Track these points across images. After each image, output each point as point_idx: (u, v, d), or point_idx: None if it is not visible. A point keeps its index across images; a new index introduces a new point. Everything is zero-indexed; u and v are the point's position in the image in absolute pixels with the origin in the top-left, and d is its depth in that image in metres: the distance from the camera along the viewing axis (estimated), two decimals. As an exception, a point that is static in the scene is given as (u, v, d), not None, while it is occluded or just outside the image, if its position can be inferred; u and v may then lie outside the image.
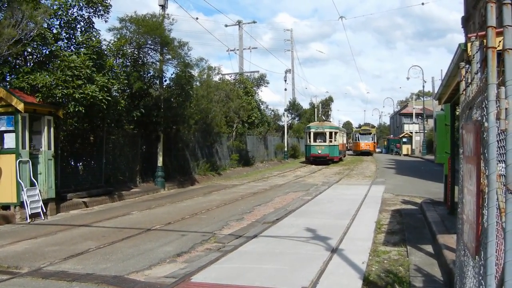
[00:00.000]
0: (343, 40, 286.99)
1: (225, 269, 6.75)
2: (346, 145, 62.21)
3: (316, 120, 49.73)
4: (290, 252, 7.80)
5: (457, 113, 8.54)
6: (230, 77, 36.44)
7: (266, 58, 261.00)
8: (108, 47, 16.59)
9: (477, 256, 2.89)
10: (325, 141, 38.26)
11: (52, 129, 12.62)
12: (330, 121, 51.85)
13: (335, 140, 38.92)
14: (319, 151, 37.61)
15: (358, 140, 61.26)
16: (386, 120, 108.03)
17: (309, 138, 38.99)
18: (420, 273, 6.42)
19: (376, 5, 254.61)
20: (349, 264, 6.88)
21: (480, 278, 2.72)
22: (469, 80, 3.64)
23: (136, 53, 18.64)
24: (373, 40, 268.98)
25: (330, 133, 38.76)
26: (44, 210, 11.80)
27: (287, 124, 45.07)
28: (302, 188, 19.05)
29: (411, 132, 62.09)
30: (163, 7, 19.56)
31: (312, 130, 39.16)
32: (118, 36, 17.60)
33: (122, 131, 18.27)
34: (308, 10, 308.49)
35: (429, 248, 7.90)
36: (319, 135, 38.91)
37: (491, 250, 2.49)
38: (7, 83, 12.57)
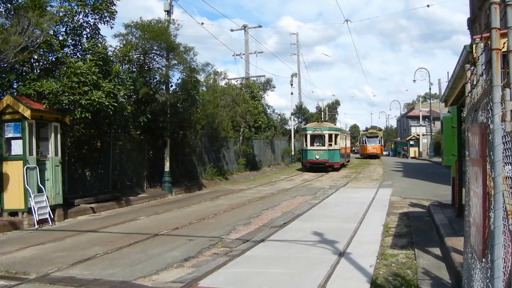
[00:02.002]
0: (348, 43, 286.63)
1: (232, 274, 6.75)
2: (353, 148, 61.80)
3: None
4: (298, 256, 7.79)
5: (464, 115, 8.50)
6: (236, 81, 36.50)
7: (271, 62, 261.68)
8: (114, 53, 16.69)
9: (484, 259, 2.87)
10: (323, 145, 33.01)
11: (59, 136, 12.68)
12: (334, 123, 51.18)
13: (335, 144, 33.67)
14: (317, 157, 32.49)
15: (365, 143, 61.07)
16: (393, 123, 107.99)
17: (306, 141, 33.61)
18: (428, 276, 6.37)
19: (380, 8, 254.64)
20: (356, 268, 6.86)
21: (488, 281, 2.70)
22: (475, 82, 3.63)
23: (142, 58, 18.74)
24: (378, 42, 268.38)
25: (330, 136, 33.42)
26: (52, 216, 11.85)
27: (294, 128, 44.94)
28: (310, 192, 19.01)
29: (418, 135, 61.97)
30: (169, 12, 19.66)
31: (309, 132, 33.58)
32: (124, 42, 17.71)
33: (129, 137, 18.33)
34: (313, 14, 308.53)
35: (437, 251, 7.86)
36: (317, 138, 33.58)
37: (498, 253, 2.48)
38: (14, 90, 12.66)
